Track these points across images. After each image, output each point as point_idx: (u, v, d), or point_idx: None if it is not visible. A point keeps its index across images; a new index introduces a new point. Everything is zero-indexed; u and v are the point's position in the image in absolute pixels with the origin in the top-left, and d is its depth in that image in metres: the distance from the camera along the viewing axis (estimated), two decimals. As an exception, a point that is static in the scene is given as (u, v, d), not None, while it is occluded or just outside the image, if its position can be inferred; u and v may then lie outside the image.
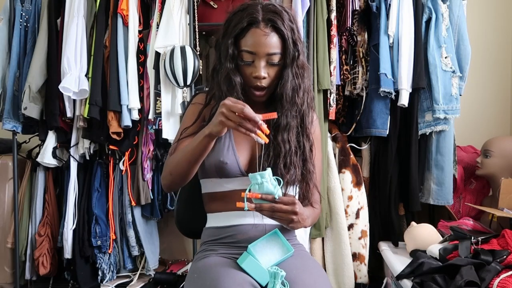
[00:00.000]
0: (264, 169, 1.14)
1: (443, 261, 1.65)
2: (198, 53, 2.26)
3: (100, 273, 2.44)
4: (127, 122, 2.30)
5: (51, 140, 2.42)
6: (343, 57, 2.26)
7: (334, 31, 2.21)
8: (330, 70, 2.19)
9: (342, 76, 2.25)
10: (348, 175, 2.24)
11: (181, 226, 1.51)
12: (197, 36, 2.32)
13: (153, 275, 2.46)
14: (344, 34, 2.24)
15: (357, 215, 2.23)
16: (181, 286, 2.30)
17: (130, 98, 2.29)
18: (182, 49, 2.17)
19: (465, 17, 2.21)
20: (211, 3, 2.38)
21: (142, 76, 2.35)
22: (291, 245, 1.24)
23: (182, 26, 2.28)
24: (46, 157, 2.40)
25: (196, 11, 2.32)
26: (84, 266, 2.45)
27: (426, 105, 2.17)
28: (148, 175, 2.39)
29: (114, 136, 2.34)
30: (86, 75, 2.29)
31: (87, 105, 2.26)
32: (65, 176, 2.49)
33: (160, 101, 2.26)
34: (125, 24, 2.31)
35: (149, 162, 2.39)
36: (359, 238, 2.22)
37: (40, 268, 2.43)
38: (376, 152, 2.28)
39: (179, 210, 1.51)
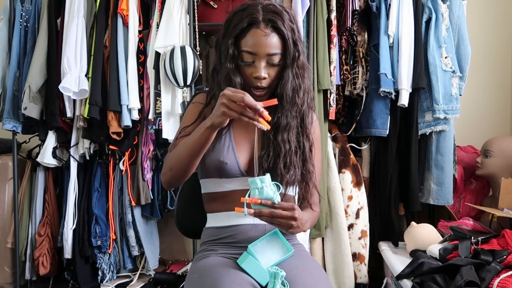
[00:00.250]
0: (263, 173, 1.14)
1: (443, 261, 1.65)
2: (198, 53, 2.26)
3: (100, 273, 2.44)
4: (127, 122, 2.30)
5: (51, 140, 2.42)
6: (343, 57, 2.26)
7: (334, 31, 2.21)
8: (330, 70, 2.19)
9: (342, 76, 2.25)
10: (348, 175, 2.24)
11: (181, 226, 1.51)
12: (197, 36, 2.32)
13: (153, 275, 2.46)
14: (344, 34, 2.24)
15: (357, 215, 2.23)
16: (181, 286, 2.30)
17: (130, 98, 2.29)
18: (182, 49, 2.17)
19: (465, 17, 2.21)
20: (211, 3, 2.38)
21: (142, 76, 2.35)
22: (291, 245, 1.24)
23: (182, 26, 2.28)
24: (46, 157, 2.40)
25: (196, 11, 2.32)
26: (84, 266, 2.45)
27: (426, 105, 2.17)
28: (148, 175, 2.39)
29: (114, 136, 2.34)
30: (86, 75, 2.29)
31: (87, 105, 2.26)
32: (65, 176, 2.49)
33: (160, 101, 2.26)
34: (125, 24, 2.31)
35: (149, 162, 2.39)
36: (359, 238, 2.22)
37: (40, 268, 2.43)
38: (376, 152, 2.28)
39: (179, 210, 1.51)
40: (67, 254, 2.41)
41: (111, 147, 2.40)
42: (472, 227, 1.87)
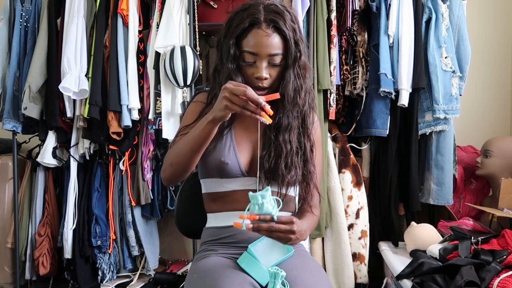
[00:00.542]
0: (265, 173, 1.14)
1: (443, 261, 1.65)
2: (198, 53, 2.26)
3: (100, 273, 2.44)
4: (127, 122, 2.30)
5: (51, 140, 2.41)
6: (343, 57, 2.26)
7: (334, 31, 2.21)
8: (330, 70, 2.19)
9: (342, 76, 2.25)
10: (348, 175, 2.24)
11: (181, 226, 1.51)
12: (197, 36, 2.32)
13: (153, 275, 2.46)
14: (344, 34, 2.24)
15: (357, 215, 2.23)
16: (181, 286, 2.30)
17: (130, 98, 2.28)
18: (182, 49, 2.17)
19: (465, 17, 2.21)
20: (211, 3, 2.38)
21: (142, 76, 2.35)
22: (291, 245, 1.24)
23: (182, 26, 2.28)
24: (46, 157, 2.40)
25: (196, 11, 2.32)
26: (84, 266, 2.45)
27: (426, 105, 2.17)
28: (148, 175, 2.39)
29: (114, 136, 2.34)
30: (86, 75, 2.29)
31: (87, 105, 2.26)
32: (65, 176, 2.49)
33: (160, 101, 2.26)
34: (125, 24, 2.31)
35: (149, 162, 2.39)
36: (359, 238, 2.22)
37: (40, 268, 2.43)
38: (376, 152, 2.28)
39: (179, 210, 1.51)
40: (67, 254, 2.41)
41: (111, 147, 2.40)
42: (472, 227, 1.87)
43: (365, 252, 2.23)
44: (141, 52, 2.34)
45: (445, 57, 2.14)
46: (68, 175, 2.44)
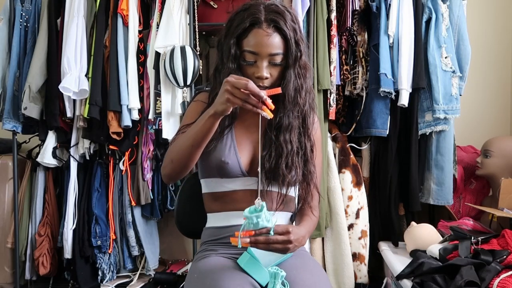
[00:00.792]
0: (265, 173, 1.14)
1: (443, 261, 1.65)
2: (198, 53, 2.26)
3: (100, 273, 2.44)
4: (127, 122, 2.30)
5: (51, 140, 2.41)
6: (343, 57, 2.26)
7: (334, 31, 2.21)
8: (330, 70, 2.19)
9: (342, 76, 2.25)
10: (348, 175, 2.24)
11: (181, 226, 1.51)
12: (197, 36, 2.32)
13: (153, 275, 2.46)
14: (344, 34, 2.24)
15: (357, 215, 2.23)
16: (181, 286, 2.30)
17: (130, 98, 2.28)
18: (182, 49, 2.17)
19: (465, 17, 2.21)
20: (211, 3, 2.38)
21: (142, 76, 2.35)
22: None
23: (182, 26, 2.28)
24: (46, 157, 2.40)
25: (196, 11, 2.32)
26: (84, 266, 2.45)
27: (426, 105, 2.17)
28: (148, 175, 2.39)
29: (114, 136, 2.34)
30: (86, 75, 2.29)
31: (87, 105, 2.26)
32: (65, 176, 2.49)
33: (160, 101, 2.26)
34: (125, 24, 2.31)
35: (149, 162, 2.39)
36: (359, 238, 2.22)
37: (40, 268, 2.43)
38: (376, 152, 2.28)
39: (179, 210, 1.51)
40: (67, 254, 2.41)
41: (111, 147, 2.40)
42: (472, 227, 1.87)
43: (365, 252, 2.23)
44: (141, 52, 2.34)
45: (445, 57, 2.14)
46: (68, 175, 2.44)
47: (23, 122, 2.40)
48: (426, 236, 1.89)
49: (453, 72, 2.14)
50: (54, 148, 2.41)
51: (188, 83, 2.19)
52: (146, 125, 2.37)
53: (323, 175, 2.16)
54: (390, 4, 2.14)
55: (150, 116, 2.30)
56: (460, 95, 2.18)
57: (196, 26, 2.31)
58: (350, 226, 2.23)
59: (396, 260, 1.92)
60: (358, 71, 2.23)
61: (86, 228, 2.42)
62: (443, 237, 1.87)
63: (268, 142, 1.27)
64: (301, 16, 2.13)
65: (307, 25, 2.21)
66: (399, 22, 2.13)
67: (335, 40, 2.21)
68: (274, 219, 1.10)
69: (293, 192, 1.34)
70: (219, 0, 2.38)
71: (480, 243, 1.68)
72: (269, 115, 1.09)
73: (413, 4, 2.14)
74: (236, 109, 1.28)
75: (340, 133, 2.31)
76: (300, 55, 1.23)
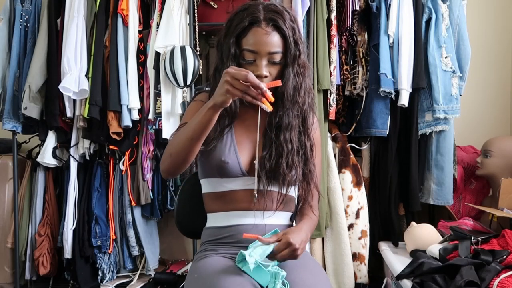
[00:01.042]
0: (266, 173, 1.14)
1: (443, 261, 1.65)
2: (198, 53, 2.26)
3: (100, 273, 2.44)
4: (127, 122, 2.30)
5: (51, 140, 2.41)
6: (343, 57, 2.26)
7: (334, 31, 2.21)
8: (330, 70, 2.19)
9: (342, 76, 2.25)
10: (348, 175, 2.24)
11: (181, 226, 1.51)
12: (197, 36, 2.32)
13: (153, 275, 2.46)
14: (344, 34, 2.24)
15: (357, 215, 2.23)
16: (181, 286, 2.30)
17: (130, 98, 2.28)
18: (182, 49, 2.17)
19: (465, 17, 2.21)
20: (211, 3, 2.38)
21: (142, 76, 2.35)
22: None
23: (182, 26, 2.28)
24: (46, 157, 2.40)
25: (196, 11, 2.32)
26: (84, 266, 2.45)
27: (426, 105, 2.17)
28: (148, 175, 2.39)
29: (114, 136, 2.34)
30: (86, 75, 2.29)
31: (87, 105, 2.26)
32: (65, 176, 2.49)
33: (160, 101, 2.26)
34: (125, 24, 2.31)
35: (149, 162, 2.39)
36: (359, 238, 2.22)
37: (40, 268, 2.43)
38: (376, 152, 2.28)
39: (179, 210, 1.51)
40: (67, 254, 2.41)
41: (111, 147, 2.40)
42: (472, 227, 1.87)
43: (365, 252, 2.23)
44: (141, 52, 2.34)
45: (445, 57, 2.14)
46: (68, 175, 2.44)
47: (23, 122, 2.40)
48: (426, 236, 1.89)
49: (453, 72, 2.14)
50: (54, 148, 2.41)
51: (188, 83, 2.19)
52: (146, 125, 2.37)
53: (323, 175, 2.16)
54: (390, 4, 2.14)
55: (150, 116, 2.30)
56: (460, 95, 2.18)
57: (196, 26, 2.31)
58: (350, 226, 2.23)
59: (396, 260, 1.92)
60: (358, 71, 2.23)
61: (86, 228, 2.42)
62: (443, 237, 1.87)
63: (268, 142, 1.27)
64: (301, 16, 2.13)
65: (307, 25, 2.20)
66: (399, 22, 2.13)
67: (335, 40, 2.20)
68: (271, 240, 1.15)
69: (293, 192, 1.34)
70: (219, 0, 2.38)
71: (480, 243, 1.68)
72: (268, 107, 1.09)
73: (413, 4, 2.14)
74: (236, 109, 1.28)
75: (340, 133, 2.31)
76: (299, 54, 1.23)
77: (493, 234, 1.79)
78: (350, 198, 2.23)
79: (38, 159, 2.43)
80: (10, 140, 2.46)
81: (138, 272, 2.52)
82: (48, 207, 2.50)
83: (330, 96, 2.21)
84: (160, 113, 2.25)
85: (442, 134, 2.16)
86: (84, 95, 2.28)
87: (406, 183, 2.19)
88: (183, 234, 1.52)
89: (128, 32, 2.31)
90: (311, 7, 2.19)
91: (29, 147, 2.61)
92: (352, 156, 2.27)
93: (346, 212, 2.22)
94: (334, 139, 2.30)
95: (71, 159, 2.42)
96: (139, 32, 2.34)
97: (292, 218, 1.37)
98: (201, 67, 2.26)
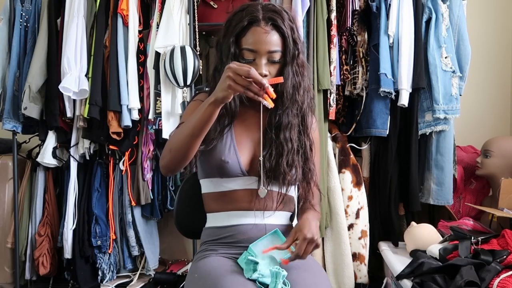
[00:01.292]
0: (266, 173, 1.14)
1: (443, 261, 1.65)
2: (198, 53, 2.26)
3: (100, 273, 2.44)
4: (127, 122, 2.30)
5: (51, 140, 2.41)
6: (343, 57, 2.26)
7: (334, 31, 2.21)
8: (330, 70, 2.19)
9: (342, 76, 2.25)
10: (348, 175, 2.24)
11: (180, 226, 1.51)
12: (197, 36, 2.32)
13: (153, 275, 2.46)
14: (344, 34, 2.24)
15: (357, 215, 2.23)
16: (181, 286, 2.30)
17: (130, 98, 2.28)
18: (182, 49, 2.17)
19: (465, 17, 2.21)
20: (211, 3, 2.38)
21: (142, 76, 2.35)
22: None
23: (182, 26, 2.28)
24: (46, 157, 2.40)
25: (196, 11, 2.32)
26: (84, 266, 2.45)
27: (426, 105, 2.17)
28: (148, 175, 2.39)
29: (114, 136, 2.34)
30: (86, 75, 2.29)
31: (87, 105, 2.26)
32: (65, 176, 2.49)
33: (160, 101, 2.26)
34: (125, 24, 2.31)
35: (149, 162, 2.39)
36: (359, 238, 2.22)
37: (40, 268, 2.43)
38: (376, 152, 2.28)
39: (179, 211, 1.51)
40: (67, 254, 2.41)
41: (111, 147, 2.40)
42: (472, 227, 1.87)
43: (365, 252, 2.23)
44: (141, 52, 2.34)
45: (445, 57, 2.14)
46: (68, 175, 2.44)
47: (23, 122, 2.40)
48: (426, 236, 1.89)
49: (453, 72, 2.14)
50: (54, 148, 2.41)
51: (188, 83, 2.19)
52: (146, 125, 2.37)
53: (323, 175, 2.16)
54: (390, 4, 2.14)
55: (150, 116, 2.30)
56: (460, 95, 2.18)
57: (196, 26, 2.31)
58: (350, 226, 2.23)
59: (396, 260, 1.92)
60: (358, 71, 2.23)
61: (86, 228, 2.42)
62: (443, 237, 1.87)
63: (268, 141, 1.27)
64: (301, 16, 2.13)
65: (307, 25, 2.20)
66: (399, 22, 2.13)
67: (335, 40, 2.20)
68: (288, 244, 1.18)
69: (293, 191, 1.34)
70: (219, 0, 2.38)
71: (480, 243, 1.68)
72: (270, 104, 1.10)
73: (413, 4, 2.14)
74: (236, 108, 1.28)
75: (340, 133, 2.31)
76: (298, 53, 1.24)
77: (493, 234, 1.79)
78: (350, 198, 2.23)
79: (38, 159, 2.43)
80: (10, 140, 2.46)
81: (138, 272, 2.52)
82: (48, 207, 2.50)
83: (330, 96, 2.21)
84: (160, 113, 2.25)
85: (442, 134, 2.16)
86: (84, 95, 2.28)
87: (406, 183, 2.19)
88: (183, 234, 1.52)
89: (128, 32, 2.31)
90: (311, 7, 2.19)
91: (29, 147, 2.61)
92: (352, 156, 2.27)
93: (346, 212, 2.22)
94: (334, 139, 2.30)
95: (71, 159, 2.42)
96: (139, 32, 2.34)
97: (291, 218, 1.37)
98: (201, 67, 2.26)
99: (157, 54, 2.24)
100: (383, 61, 2.12)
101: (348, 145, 2.29)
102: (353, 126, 2.27)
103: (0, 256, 2.51)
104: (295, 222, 1.39)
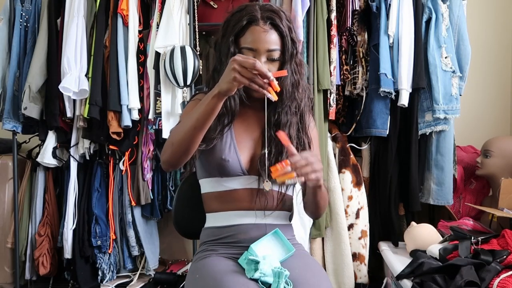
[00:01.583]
0: (265, 172, 1.14)
1: (443, 261, 1.65)
2: (198, 53, 2.26)
3: (100, 273, 2.44)
4: (127, 122, 2.30)
5: (51, 140, 2.41)
6: (343, 57, 2.26)
7: (334, 31, 2.21)
8: (330, 70, 2.19)
9: (342, 76, 2.25)
10: (348, 175, 2.24)
11: (179, 226, 1.50)
12: (197, 36, 2.32)
13: (153, 275, 2.46)
14: (344, 34, 2.24)
15: (357, 215, 2.23)
16: (181, 286, 2.30)
17: (130, 98, 2.28)
18: (182, 49, 2.17)
19: (465, 17, 2.21)
20: (211, 3, 2.38)
21: (142, 76, 2.35)
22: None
23: (182, 26, 2.28)
24: (46, 157, 2.40)
25: (196, 11, 2.32)
26: (84, 266, 2.45)
27: (426, 105, 2.17)
28: (148, 175, 2.39)
29: (114, 136, 2.34)
30: (86, 75, 2.29)
31: (87, 105, 2.26)
32: (65, 176, 2.49)
33: (160, 101, 2.26)
34: (125, 24, 2.31)
35: (149, 162, 2.39)
36: (359, 238, 2.22)
37: (40, 268, 2.43)
38: (376, 152, 2.28)
39: (177, 211, 1.50)
40: (67, 254, 2.41)
41: (111, 147, 2.40)
42: (472, 227, 1.87)
43: (365, 252, 2.23)
44: (141, 52, 2.34)
45: (445, 57, 2.14)
46: (68, 175, 2.44)
47: (23, 122, 2.40)
48: (426, 236, 1.90)
49: (453, 72, 2.14)
50: (54, 148, 2.41)
51: (188, 83, 2.19)
52: (146, 125, 2.37)
53: (323, 175, 2.16)
54: (390, 4, 2.14)
55: (150, 116, 2.30)
56: (460, 95, 2.18)
57: (196, 26, 2.31)
58: (350, 226, 2.23)
59: (396, 260, 1.92)
60: (358, 71, 2.23)
61: (86, 228, 2.42)
62: (443, 237, 1.87)
63: (268, 139, 1.27)
64: (301, 16, 2.13)
65: (307, 25, 2.21)
66: (399, 22, 2.13)
67: (335, 40, 2.21)
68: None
69: (291, 191, 1.35)
70: (219, 0, 2.38)
71: (480, 243, 1.68)
72: (274, 97, 1.10)
73: (413, 4, 2.14)
74: (236, 107, 1.28)
75: (340, 133, 2.31)
76: (296, 52, 1.26)
77: (493, 234, 1.79)
78: (350, 198, 2.23)
79: (38, 159, 2.43)
80: (10, 140, 2.46)
81: (138, 272, 2.52)
82: (48, 207, 2.50)
83: (330, 96, 2.21)
84: (160, 113, 2.25)
85: (442, 134, 2.16)
86: (84, 95, 2.28)
87: (406, 183, 2.19)
88: (181, 235, 1.51)
89: (128, 32, 2.31)
90: (311, 7, 2.19)
91: (29, 147, 2.61)
92: (352, 156, 2.28)
93: (346, 212, 2.22)
94: (334, 139, 2.30)
95: (71, 159, 2.42)
96: (139, 32, 2.34)
97: (290, 218, 1.37)
98: (201, 67, 2.26)
99: (157, 54, 2.24)
100: (383, 61, 2.12)
101: (348, 145, 2.29)
102: (353, 126, 2.27)
103: (0, 256, 2.51)
104: (293, 222, 1.39)
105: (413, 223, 1.99)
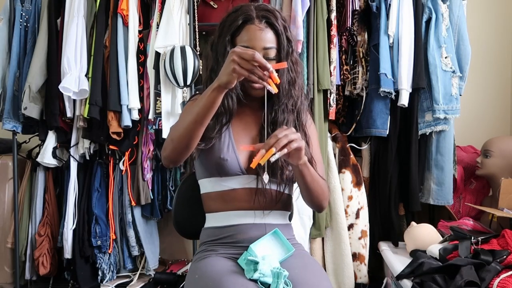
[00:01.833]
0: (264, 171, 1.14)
1: (443, 261, 1.65)
2: (198, 53, 2.26)
3: (100, 273, 2.44)
4: (127, 122, 2.30)
5: (51, 140, 2.41)
6: (343, 57, 2.26)
7: (334, 31, 2.21)
8: (330, 70, 2.19)
9: (342, 76, 2.25)
10: (348, 175, 2.24)
11: (179, 227, 1.50)
12: (197, 36, 2.32)
13: (153, 275, 2.46)
14: (344, 34, 2.24)
15: (357, 215, 2.23)
16: (181, 286, 2.30)
17: (130, 98, 2.29)
18: (182, 49, 2.17)
19: (465, 17, 2.21)
20: (211, 3, 2.38)
21: (142, 76, 2.35)
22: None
23: (182, 26, 2.28)
24: (46, 157, 2.40)
25: (196, 11, 2.32)
26: (84, 266, 2.45)
27: (426, 105, 2.17)
28: (148, 175, 2.39)
29: (114, 136, 2.34)
30: (86, 75, 2.29)
31: (87, 105, 2.26)
32: (65, 176, 2.49)
33: (160, 101, 2.26)
34: (125, 24, 2.31)
35: (149, 162, 2.39)
36: (359, 238, 2.22)
37: (40, 268, 2.43)
38: (376, 152, 2.28)
39: (177, 211, 1.50)
40: (67, 254, 2.41)
41: (111, 147, 2.40)
42: (472, 227, 1.87)
43: (365, 252, 2.23)
44: (141, 52, 2.34)
45: (445, 57, 2.14)
46: (68, 175, 2.44)
47: (23, 122, 2.40)
48: (426, 236, 1.89)
49: (453, 72, 2.14)
50: (54, 148, 2.41)
51: (188, 83, 2.19)
52: (146, 125, 2.37)
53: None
54: (390, 4, 2.14)
55: (150, 116, 2.30)
56: (460, 95, 2.18)
57: (196, 26, 2.31)
58: (350, 226, 2.23)
59: (396, 260, 1.92)
60: (358, 71, 2.23)
61: (86, 228, 2.42)
62: (443, 237, 1.87)
63: (265, 138, 1.27)
64: (301, 16, 2.13)
65: (307, 25, 2.20)
66: (399, 22, 2.13)
67: (335, 40, 2.21)
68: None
69: (290, 190, 1.35)
70: (219, 0, 2.38)
71: (480, 243, 1.68)
72: (274, 89, 1.10)
73: (413, 4, 2.14)
74: (234, 106, 1.29)
75: (340, 133, 2.31)
76: (292, 51, 1.26)
77: (493, 234, 1.79)
78: (350, 198, 2.23)
79: (38, 159, 2.43)
80: (10, 140, 2.46)
81: (138, 272, 2.52)
82: (48, 207, 2.50)
83: (330, 96, 2.21)
84: (160, 113, 2.26)
85: (442, 134, 2.16)
86: (84, 95, 2.28)
87: (406, 183, 2.19)
88: (181, 235, 1.52)
89: (128, 32, 2.31)
90: (311, 7, 2.19)
91: (29, 147, 2.61)
92: (352, 156, 2.28)
93: (346, 212, 2.22)
94: (334, 139, 2.30)
95: (71, 159, 2.42)
96: (139, 32, 2.34)
97: (290, 218, 1.37)
98: (201, 67, 2.26)
99: (157, 54, 2.24)
100: (383, 61, 2.12)
101: (348, 145, 2.29)
102: (353, 126, 2.27)
103: (0, 256, 2.51)
104: (293, 222, 1.39)
105: (413, 223, 1.99)
